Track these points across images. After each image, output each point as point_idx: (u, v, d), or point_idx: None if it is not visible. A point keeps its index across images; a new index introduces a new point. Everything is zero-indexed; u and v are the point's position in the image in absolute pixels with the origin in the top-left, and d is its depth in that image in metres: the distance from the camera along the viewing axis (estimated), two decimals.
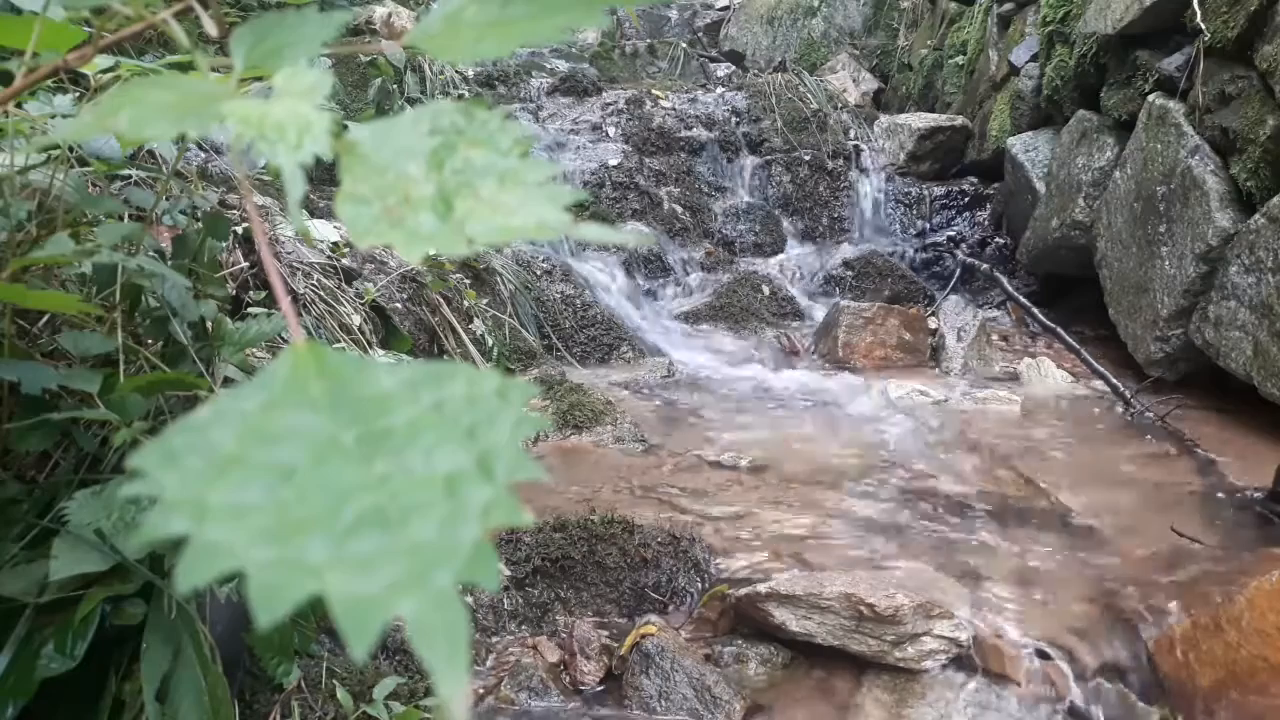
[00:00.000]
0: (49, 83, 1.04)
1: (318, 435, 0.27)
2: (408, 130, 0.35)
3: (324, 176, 2.88)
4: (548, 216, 0.32)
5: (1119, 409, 2.67)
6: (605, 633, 1.54)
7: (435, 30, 0.38)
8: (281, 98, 0.34)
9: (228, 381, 1.12)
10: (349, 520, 0.25)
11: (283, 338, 1.32)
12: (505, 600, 1.59)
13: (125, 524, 0.85)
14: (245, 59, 0.38)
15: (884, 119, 4.50)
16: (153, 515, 0.24)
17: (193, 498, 0.25)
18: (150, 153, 1.53)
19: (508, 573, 1.62)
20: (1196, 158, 2.56)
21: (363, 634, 0.23)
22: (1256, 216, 2.33)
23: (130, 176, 1.32)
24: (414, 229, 0.31)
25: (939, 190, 4.12)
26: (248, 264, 1.83)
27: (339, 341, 2.00)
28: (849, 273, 3.79)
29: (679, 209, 3.98)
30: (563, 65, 4.98)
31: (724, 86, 4.83)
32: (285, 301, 0.31)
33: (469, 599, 1.58)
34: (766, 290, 3.61)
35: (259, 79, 0.40)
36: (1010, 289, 3.51)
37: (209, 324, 1.14)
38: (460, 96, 3.99)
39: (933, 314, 3.44)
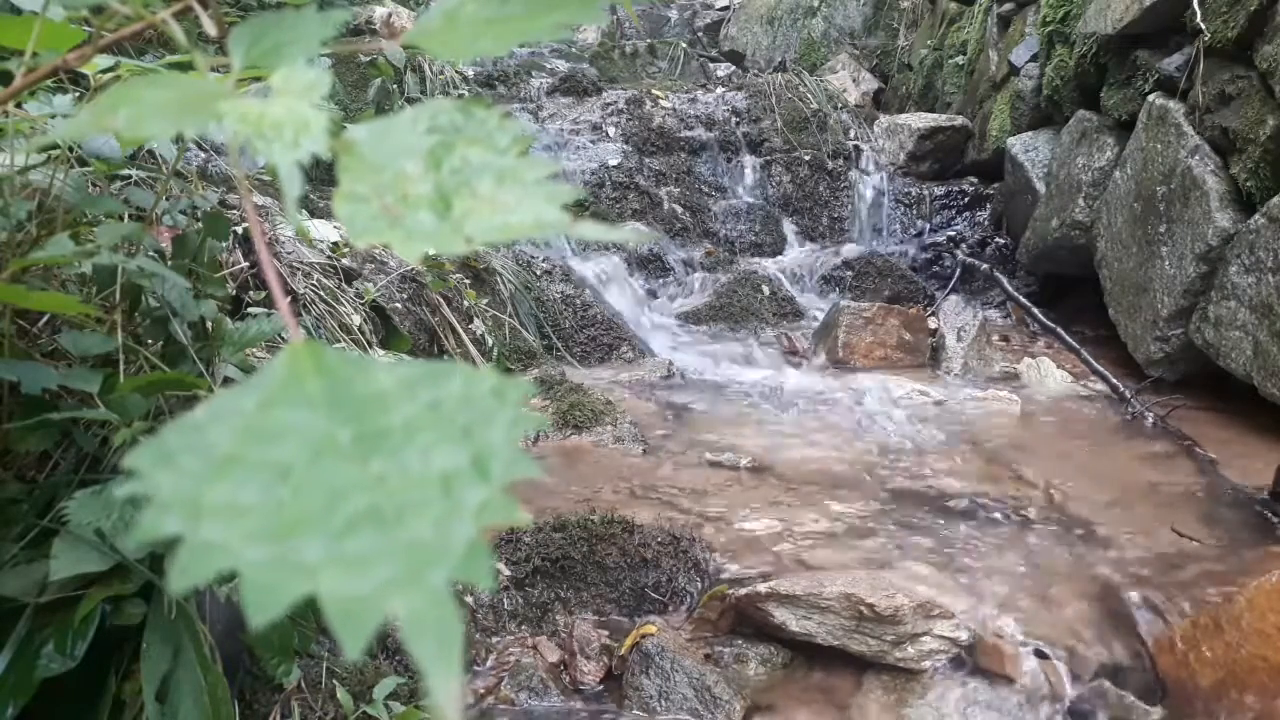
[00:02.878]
0: (49, 83, 1.04)
1: (314, 434, 0.27)
2: (406, 129, 0.35)
3: (324, 177, 2.88)
4: (546, 214, 0.32)
5: (1119, 409, 2.67)
6: (605, 633, 1.54)
7: (433, 28, 0.38)
8: (279, 96, 0.34)
9: (228, 381, 1.12)
10: (344, 519, 0.26)
11: (282, 338, 1.32)
12: (505, 600, 1.59)
13: (125, 524, 0.85)
14: (243, 58, 0.38)
15: (884, 119, 4.50)
16: (147, 514, 0.24)
17: (188, 497, 0.25)
18: (150, 153, 1.53)
19: (508, 573, 1.62)
20: (1196, 158, 2.56)
21: (356, 633, 0.23)
22: (1256, 216, 2.33)
23: (130, 176, 1.33)
24: (411, 227, 0.31)
25: (939, 190, 4.12)
26: (248, 264, 1.83)
27: (339, 341, 2.00)
28: (849, 273, 3.79)
29: (679, 209, 3.98)
30: (563, 65, 4.98)
31: (724, 86, 4.83)
32: (282, 300, 0.31)
33: (469, 599, 1.58)
34: (766, 290, 3.61)
35: (260, 79, 0.40)
36: (1010, 289, 3.51)
37: (209, 324, 1.14)
38: (460, 97, 3.99)
39: (933, 314, 3.44)
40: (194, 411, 0.27)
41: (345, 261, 2.32)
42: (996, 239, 3.91)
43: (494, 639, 1.54)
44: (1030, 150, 3.60)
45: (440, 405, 0.28)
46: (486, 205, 0.32)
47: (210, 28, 0.45)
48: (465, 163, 0.33)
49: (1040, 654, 1.41)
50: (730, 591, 1.56)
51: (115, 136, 1.07)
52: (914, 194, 4.12)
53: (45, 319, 1.05)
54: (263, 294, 1.74)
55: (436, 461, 0.27)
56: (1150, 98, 2.81)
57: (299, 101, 0.33)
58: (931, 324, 3.33)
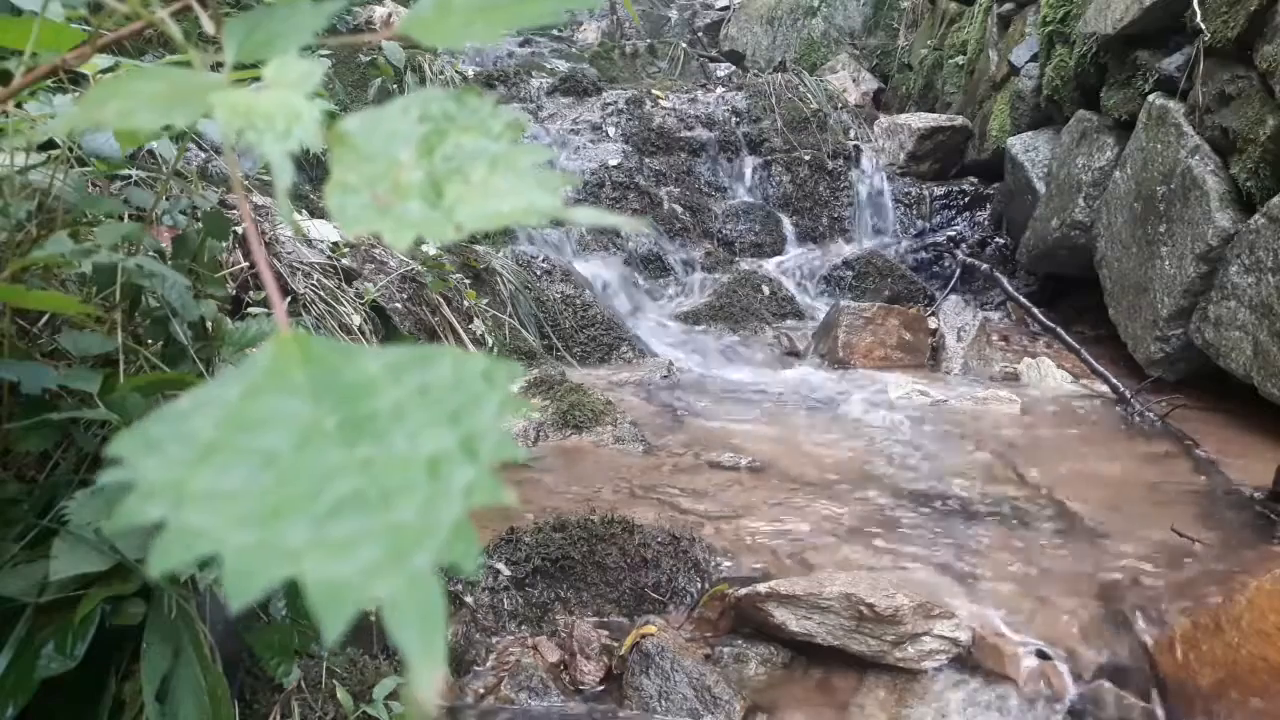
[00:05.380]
0: (49, 82, 1.04)
1: (300, 420, 0.27)
2: (398, 118, 0.35)
3: (325, 177, 2.88)
4: (538, 201, 0.31)
5: (1119, 409, 2.67)
6: (605, 633, 1.54)
7: (426, 16, 0.38)
8: (271, 88, 0.34)
9: None
10: (329, 504, 0.26)
11: None
12: (505, 600, 1.59)
13: None
14: (237, 51, 0.38)
15: (884, 119, 4.50)
16: (130, 500, 0.24)
17: (171, 483, 0.25)
18: (150, 153, 1.53)
19: (508, 573, 1.62)
20: (1196, 158, 2.56)
21: (336, 617, 0.23)
22: (1256, 216, 2.33)
23: (130, 176, 1.33)
24: (402, 215, 0.31)
25: (939, 190, 4.12)
26: (248, 264, 1.83)
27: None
28: (849, 273, 3.80)
29: (679, 209, 3.98)
30: (563, 65, 4.99)
31: (724, 86, 4.83)
32: (277, 299, 0.31)
33: (469, 599, 1.58)
34: (766, 290, 3.61)
35: (259, 79, 0.40)
36: (1010, 289, 3.51)
37: (209, 324, 1.14)
38: None
39: (933, 314, 3.44)
40: (179, 400, 0.27)
41: (345, 261, 2.32)
42: (996, 239, 3.91)
43: (494, 639, 1.54)
44: (1030, 150, 3.60)
45: (429, 389, 0.28)
46: (479, 192, 0.32)
47: (209, 26, 0.45)
48: (458, 150, 0.33)
49: (1040, 654, 1.41)
50: (730, 591, 1.56)
51: (114, 135, 1.07)
52: (914, 194, 4.12)
53: (45, 319, 1.05)
54: (263, 294, 1.74)
55: (424, 445, 0.27)
56: (1150, 98, 2.81)
57: (291, 92, 0.33)
58: (931, 324, 3.33)
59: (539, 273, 3.26)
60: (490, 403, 0.27)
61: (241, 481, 0.25)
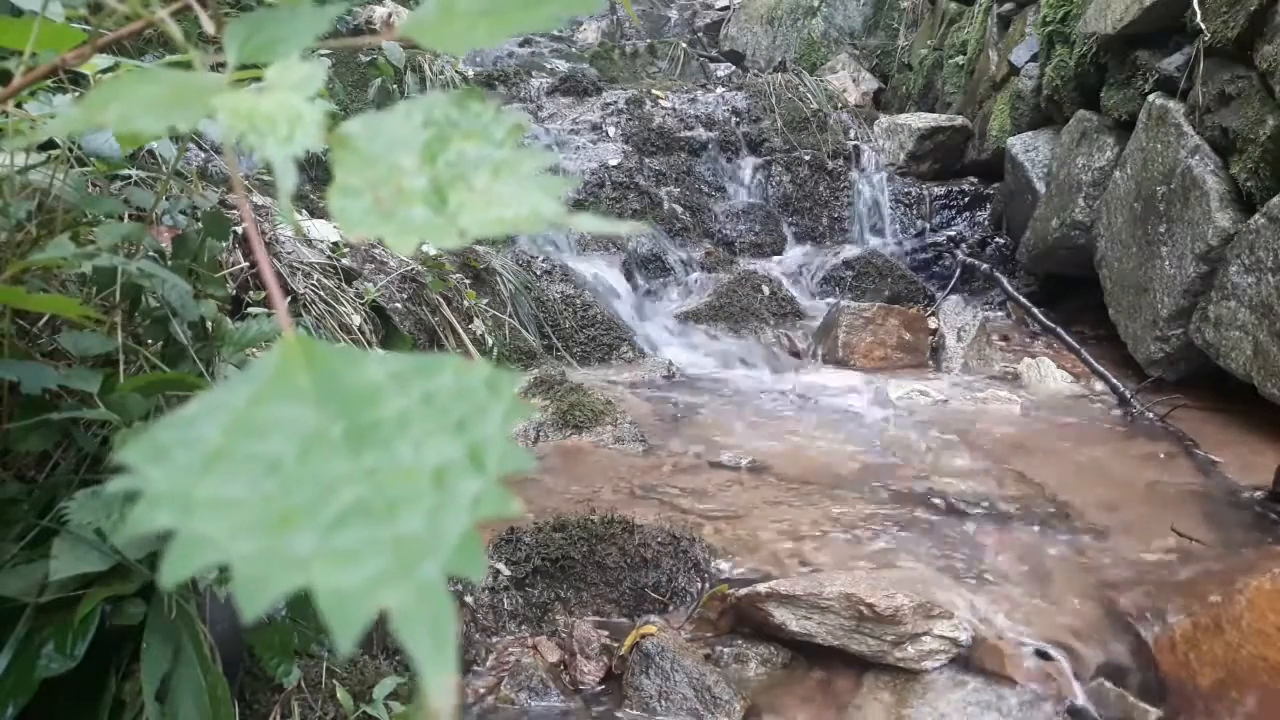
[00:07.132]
0: (49, 83, 1.04)
1: (305, 428, 0.27)
2: (401, 122, 0.35)
3: (325, 177, 2.88)
4: (541, 207, 0.31)
5: (1119, 409, 2.67)
6: (605, 633, 1.54)
7: (428, 19, 0.38)
8: (273, 90, 0.34)
9: None
10: (335, 512, 0.26)
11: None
12: (505, 600, 1.59)
13: (125, 523, 0.85)
14: (238, 53, 0.38)
15: (884, 119, 4.50)
16: (139, 508, 0.24)
17: (179, 490, 0.25)
18: (150, 153, 1.53)
19: (508, 573, 1.62)
20: (1196, 158, 2.56)
21: (348, 626, 0.23)
22: (1256, 216, 2.33)
23: (130, 176, 1.33)
24: (405, 220, 0.31)
25: (939, 190, 4.12)
26: (248, 264, 1.83)
27: (339, 341, 2.00)
28: (849, 273, 3.79)
29: (679, 209, 3.98)
30: (563, 65, 4.99)
31: (724, 86, 4.83)
32: (279, 300, 0.31)
33: (469, 599, 1.58)
34: (766, 290, 3.61)
35: (260, 80, 0.40)
36: (1010, 289, 3.51)
37: (209, 324, 1.14)
38: None
39: (933, 314, 3.44)
40: (186, 407, 0.27)
41: (345, 261, 2.32)
42: (996, 239, 3.91)
43: (494, 639, 1.54)
44: (1030, 150, 3.60)
45: (433, 398, 0.28)
46: (482, 198, 0.32)
47: (208, 26, 0.45)
48: (461, 156, 0.33)
49: (1040, 654, 1.41)
50: (730, 591, 1.56)
51: (115, 136, 1.07)
52: (914, 194, 4.12)
53: (45, 319, 1.04)
54: (263, 294, 1.74)
55: (429, 454, 0.27)
56: (1150, 98, 2.81)
57: (293, 95, 0.33)
58: (931, 324, 3.33)
59: (539, 273, 3.26)
60: (496, 412, 0.27)
61: (247, 489, 0.25)
